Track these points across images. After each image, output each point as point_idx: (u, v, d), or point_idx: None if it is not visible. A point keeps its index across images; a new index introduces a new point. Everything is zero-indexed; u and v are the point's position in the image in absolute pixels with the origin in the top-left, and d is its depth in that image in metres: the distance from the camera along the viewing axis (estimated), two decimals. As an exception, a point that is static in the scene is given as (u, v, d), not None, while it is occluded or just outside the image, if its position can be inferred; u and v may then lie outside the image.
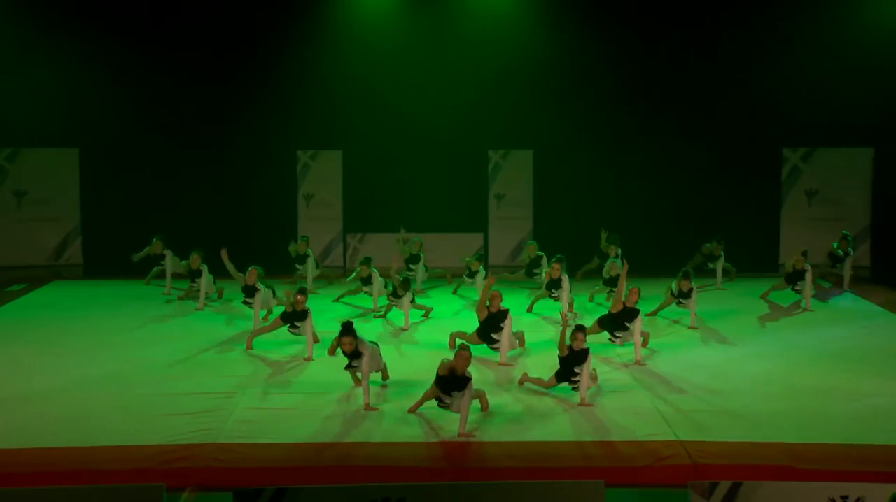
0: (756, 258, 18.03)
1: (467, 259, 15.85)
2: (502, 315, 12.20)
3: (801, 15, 18.32)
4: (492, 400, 10.44)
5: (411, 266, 16.47)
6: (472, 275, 15.60)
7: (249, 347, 12.74)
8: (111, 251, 18.34)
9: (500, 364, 12.07)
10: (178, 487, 8.33)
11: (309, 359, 12.13)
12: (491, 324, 12.22)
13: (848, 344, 13.06)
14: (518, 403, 10.49)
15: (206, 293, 15.28)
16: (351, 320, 10.60)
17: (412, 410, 10.03)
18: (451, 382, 9.63)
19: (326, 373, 11.36)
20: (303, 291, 12.46)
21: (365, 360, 10.37)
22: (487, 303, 12.23)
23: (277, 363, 12.09)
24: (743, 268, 17.23)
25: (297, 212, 19.36)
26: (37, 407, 10.24)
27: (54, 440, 9.20)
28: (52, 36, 18.18)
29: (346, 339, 10.27)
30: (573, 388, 10.59)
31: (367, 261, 15.07)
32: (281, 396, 10.66)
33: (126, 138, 18.64)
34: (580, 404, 10.39)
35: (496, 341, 12.22)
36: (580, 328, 10.64)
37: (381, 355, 10.92)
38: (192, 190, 18.76)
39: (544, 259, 16.06)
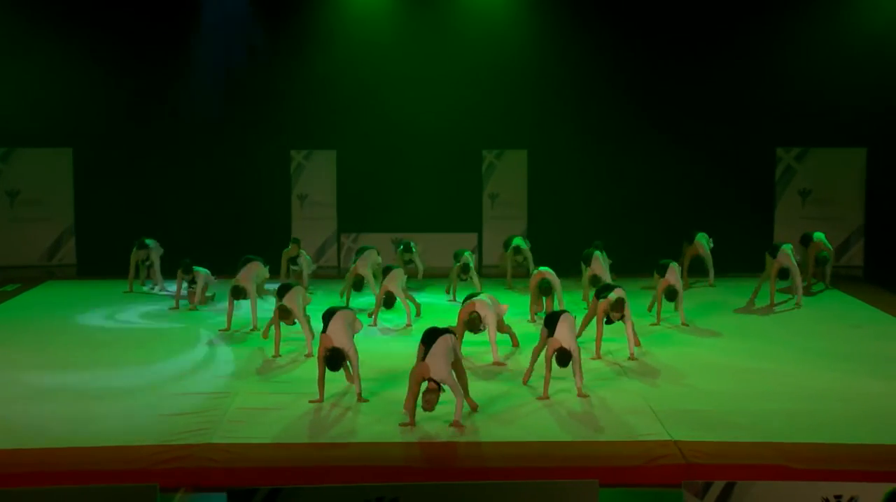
0: (749, 258, 18.01)
1: (457, 265, 15.78)
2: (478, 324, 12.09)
3: (795, 15, 18.34)
4: (485, 399, 10.45)
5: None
6: (467, 270, 15.56)
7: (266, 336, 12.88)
8: (105, 251, 18.31)
9: (494, 363, 12.07)
10: (171, 487, 8.32)
11: (309, 356, 12.03)
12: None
13: (841, 343, 13.07)
14: (512, 403, 10.48)
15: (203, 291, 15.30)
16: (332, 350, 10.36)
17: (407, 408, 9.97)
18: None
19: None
20: (284, 311, 12.09)
21: (352, 354, 10.42)
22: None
23: (272, 363, 12.08)
24: (736, 267, 17.25)
25: (290, 212, 19.34)
26: (30, 407, 10.22)
27: (48, 440, 9.17)
28: (45, 35, 18.13)
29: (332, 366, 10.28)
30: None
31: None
32: (275, 396, 10.65)
33: (119, 138, 18.62)
34: (578, 395, 10.47)
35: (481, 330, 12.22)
36: (565, 353, 10.49)
37: (355, 317, 10.92)
38: (186, 190, 18.74)
39: (528, 251, 16.18)
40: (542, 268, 14.23)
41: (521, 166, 19.44)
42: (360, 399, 10.32)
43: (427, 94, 18.69)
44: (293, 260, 16.30)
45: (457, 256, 15.58)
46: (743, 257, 17.84)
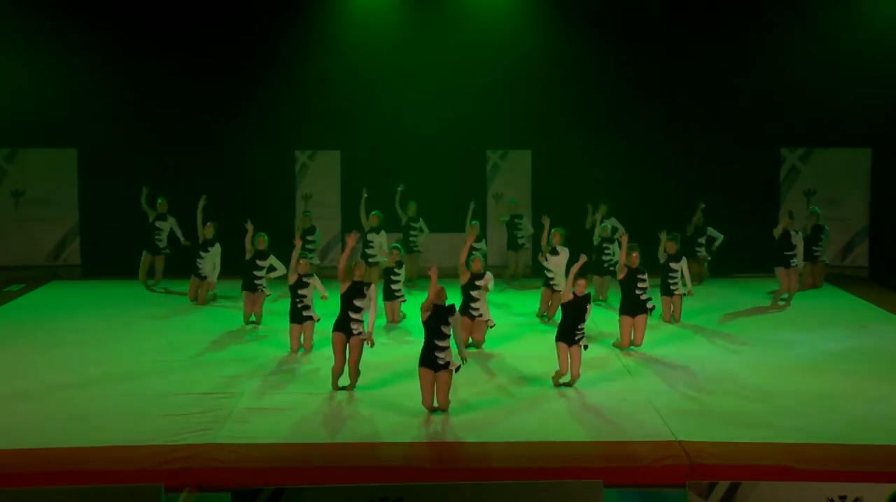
0: (754, 258, 18.01)
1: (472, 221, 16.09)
2: (480, 275, 12.60)
3: (799, 15, 18.30)
4: (488, 400, 10.46)
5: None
6: (479, 240, 15.71)
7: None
8: (109, 251, 18.34)
9: (485, 321, 12.52)
10: (176, 487, 8.34)
11: (324, 298, 12.60)
12: (469, 286, 12.64)
13: (846, 344, 13.06)
14: (516, 403, 10.49)
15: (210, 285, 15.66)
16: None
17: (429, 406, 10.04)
18: (441, 317, 9.93)
19: (325, 372, 11.32)
20: (303, 257, 12.67)
21: (372, 289, 10.88)
22: (469, 263, 12.68)
23: (276, 363, 12.09)
24: (741, 268, 17.25)
25: (294, 212, 19.33)
26: (35, 407, 10.24)
27: (52, 440, 9.19)
28: (50, 35, 18.13)
29: (359, 270, 10.90)
30: (577, 341, 10.88)
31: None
32: (279, 396, 10.66)
33: (124, 138, 18.60)
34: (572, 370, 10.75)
35: (476, 299, 12.56)
36: (581, 275, 11.02)
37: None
38: (190, 190, 18.70)
39: (525, 220, 17.18)
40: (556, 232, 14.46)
41: (525, 166, 19.44)
42: (370, 339, 10.85)
43: (431, 95, 18.67)
44: (310, 230, 16.50)
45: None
46: (747, 257, 17.83)
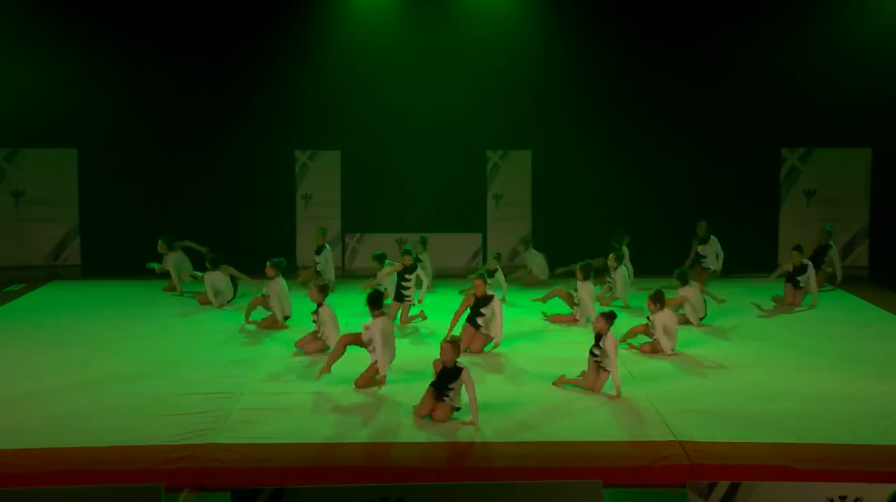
0: (754, 258, 18.02)
1: (486, 265, 15.84)
2: (487, 299, 12.52)
3: (799, 15, 18.32)
4: (489, 400, 10.45)
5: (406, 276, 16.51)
6: (492, 274, 15.36)
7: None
8: (109, 251, 18.36)
9: (495, 345, 12.48)
10: (176, 487, 8.34)
11: (328, 369, 11.37)
12: (477, 307, 12.58)
13: (846, 344, 13.05)
14: (516, 403, 10.49)
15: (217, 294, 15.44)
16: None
17: (419, 414, 9.93)
18: (446, 377, 9.78)
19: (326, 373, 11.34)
20: (322, 288, 12.38)
21: (372, 327, 10.81)
22: (471, 290, 12.76)
23: (277, 363, 12.09)
24: (741, 268, 17.23)
25: (295, 212, 19.36)
26: (35, 407, 10.24)
27: (53, 440, 9.19)
28: (50, 36, 18.17)
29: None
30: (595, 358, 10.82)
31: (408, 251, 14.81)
32: (280, 396, 10.66)
33: (124, 138, 18.64)
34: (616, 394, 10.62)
35: (482, 316, 12.50)
36: (608, 315, 10.86)
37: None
38: (190, 190, 18.78)
39: (497, 275, 15.82)
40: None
41: (525, 167, 19.45)
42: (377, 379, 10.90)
43: (431, 95, 18.69)
44: (318, 249, 16.41)
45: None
46: (748, 258, 17.83)
